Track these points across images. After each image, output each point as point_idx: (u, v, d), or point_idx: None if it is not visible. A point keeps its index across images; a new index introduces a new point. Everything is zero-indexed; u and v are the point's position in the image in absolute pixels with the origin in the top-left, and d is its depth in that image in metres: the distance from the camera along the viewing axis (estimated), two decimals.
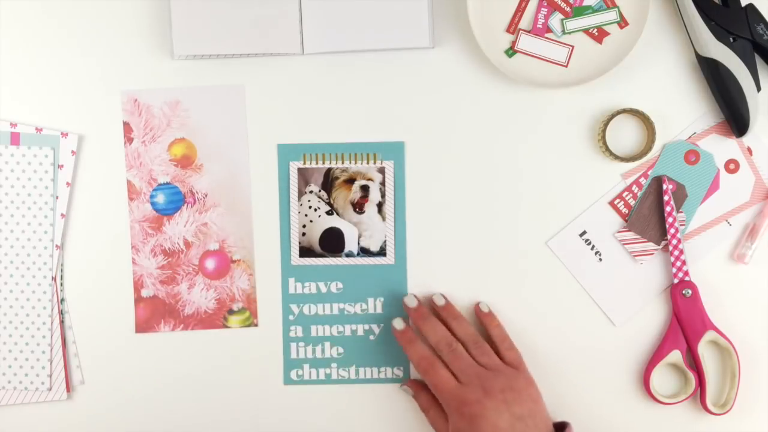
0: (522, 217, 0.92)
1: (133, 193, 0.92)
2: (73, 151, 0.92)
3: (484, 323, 0.90)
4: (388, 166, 0.91)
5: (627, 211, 0.91)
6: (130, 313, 0.92)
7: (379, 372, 0.92)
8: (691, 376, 0.90)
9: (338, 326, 0.92)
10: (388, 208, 0.92)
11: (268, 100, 0.91)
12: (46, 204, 0.92)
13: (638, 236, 0.91)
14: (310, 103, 0.91)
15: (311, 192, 0.92)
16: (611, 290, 0.92)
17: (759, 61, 0.89)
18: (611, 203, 0.92)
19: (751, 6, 0.88)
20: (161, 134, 0.91)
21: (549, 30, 0.90)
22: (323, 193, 0.92)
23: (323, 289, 0.92)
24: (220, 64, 0.91)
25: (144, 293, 0.92)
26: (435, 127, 0.92)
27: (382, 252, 0.92)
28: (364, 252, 0.92)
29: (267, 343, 0.92)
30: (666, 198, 0.90)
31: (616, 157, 0.90)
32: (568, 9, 0.90)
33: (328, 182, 0.92)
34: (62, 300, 0.92)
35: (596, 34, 0.90)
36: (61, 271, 0.92)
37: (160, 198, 0.92)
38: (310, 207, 0.92)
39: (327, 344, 0.92)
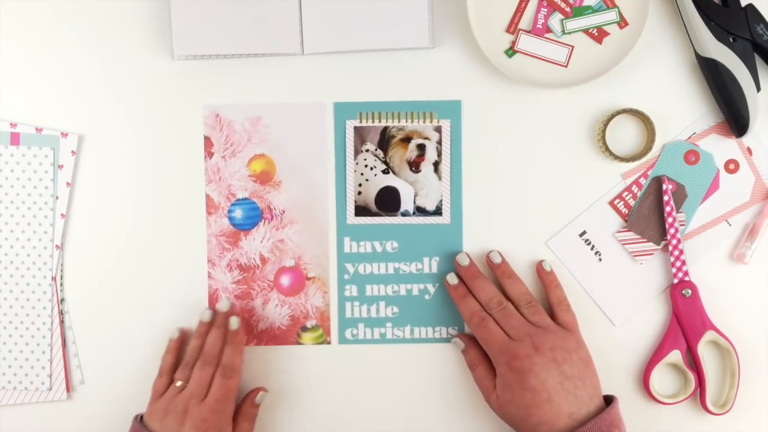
0: (522, 217, 0.92)
1: (212, 207, 0.92)
2: (73, 151, 0.92)
3: (544, 282, 0.90)
4: (445, 125, 0.91)
5: (627, 211, 0.91)
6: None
7: (434, 332, 0.92)
8: (691, 376, 0.90)
9: (393, 286, 0.92)
10: (444, 167, 0.92)
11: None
12: (46, 204, 0.92)
13: (638, 236, 0.91)
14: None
15: (367, 151, 0.92)
16: (611, 290, 0.92)
17: (759, 61, 0.89)
18: (611, 203, 0.92)
19: (751, 6, 0.88)
20: (241, 149, 0.92)
21: (549, 30, 0.90)
22: (379, 152, 0.92)
23: (378, 249, 0.92)
24: (222, 64, 0.91)
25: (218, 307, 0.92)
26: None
27: (437, 211, 0.92)
28: (420, 211, 0.92)
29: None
30: (666, 198, 0.90)
31: (616, 157, 0.90)
32: (568, 9, 0.90)
33: (385, 141, 0.92)
34: (62, 300, 0.92)
35: (596, 34, 0.90)
36: (61, 271, 0.92)
37: (238, 213, 0.92)
38: (366, 166, 0.92)
39: (382, 304, 0.92)
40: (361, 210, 0.92)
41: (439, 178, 0.92)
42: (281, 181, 0.92)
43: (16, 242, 0.91)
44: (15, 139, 0.91)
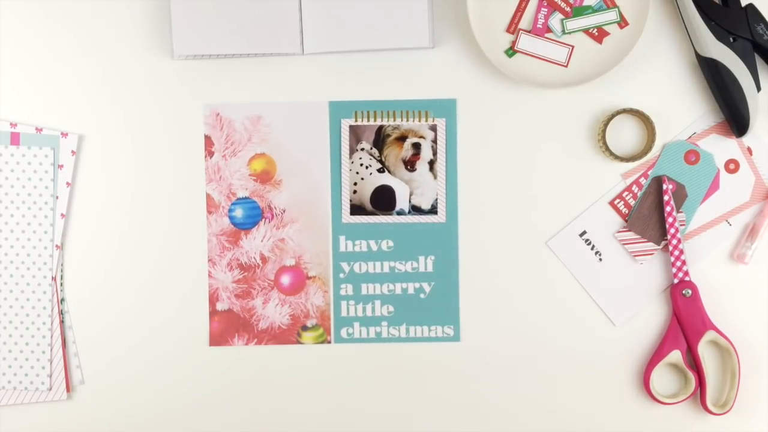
0: (522, 217, 0.92)
1: (212, 206, 0.92)
2: (73, 151, 0.92)
3: None
4: (440, 123, 0.91)
5: (627, 211, 0.91)
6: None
7: (429, 331, 0.92)
8: (691, 376, 0.90)
9: (389, 285, 0.92)
10: (440, 166, 0.92)
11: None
12: (46, 204, 0.92)
13: (638, 236, 0.91)
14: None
15: (363, 149, 0.92)
16: (611, 290, 0.92)
17: (759, 61, 0.89)
18: (611, 203, 0.92)
19: (751, 6, 0.88)
20: (242, 149, 0.92)
21: (549, 30, 0.90)
22: (375, 151, 0.92)
23: (374, 247, 0.92)
24: (222, 64, 0.91)
25: (219, 307, 0.92)
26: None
27: (433, 210, 0.92)
28: (416, 210, 0.92)
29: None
30: (666, 198, 0.90)
31: (616, 157, 0.90)
32: (568, 9, 0.90)
33: (380, 140, 0.92)
34: (62, 300, 0.92)
35: (596, 34, 0.90)
36: (61, 271, 0.92)
37: (239, 212, 0.92)
38: (361, 164, 0.92)
39: (377, 302, 0.92)
40: (357, 209, 0.92)
41: (435, 177, 0.92)
42: (282, 180, 0.92)
43: (16, 242, 0.91)
44: (15, 139, 0.91)
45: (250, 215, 0.92)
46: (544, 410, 0.92)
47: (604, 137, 0.90)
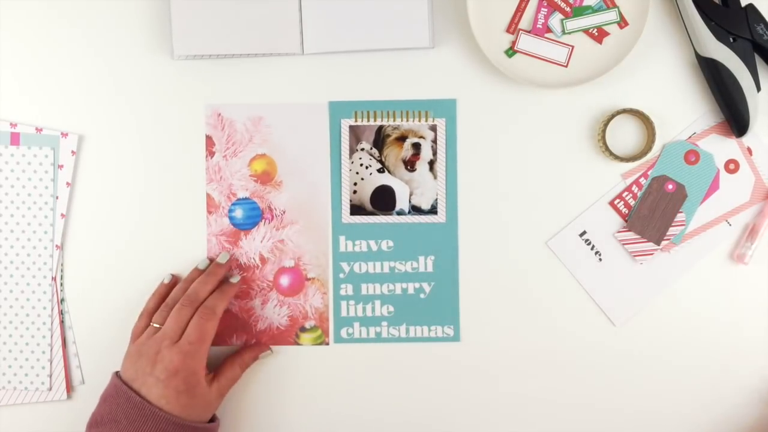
0: (522, 217, 0.92)
1: (212, 206, 0.92)
2: (73, 151, 0.92)
3: None
4: (440, 123, 0.91)
5: (627, 211, 0.91)
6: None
7: (429, 331, 0.92)
8: None
9: (389, 285, 0.92)
10: (440, 166, 0.92)
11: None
12: (46, 204, 0.92)
13: (638, 236, 0.91)
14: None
15: (363, 149, 0.92)
16: (611, 290, 0.92)
17: (759, 61, 0.89)
18: (611, 203, 0.92)
19: (751, 6, 0.88)
20: (243, 149, 0.92)
21: (549, 30, 0.90)
22: (375, 151, 0.92)
23: (374, 248, 0.92)
24: (222, 64, 0.91)
25: None
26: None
27: (433, 210, 0.92)
28: (416, 210, 0.92)
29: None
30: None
31: (616, 157, 0.90)
32: (568, 9, 0.90)
33: (380, 140, 0.92)
34: (62, 300, 0.92)
35: (596, 34, 0.90)
36: (61, 271, 0.92)
37: (239, 213, 0.92)
38: (361, 165, 0.92)
39: (377, 303, 0.93)
40: (357, 209, 0.92)
41: (435, 177, 0.92)
42: (282, 181, 0.92)
43: (16, 242, 0.91)
44: (15, 139, 0.91)
45: (250, 216, 0.92)
46: (545, 410, 0.92)
47: (604, 137, 0.90)
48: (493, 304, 0.92)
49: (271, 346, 0.92)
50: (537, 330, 0.92)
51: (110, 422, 0.82)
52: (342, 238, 0.92)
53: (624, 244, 0.91)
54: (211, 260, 0.91)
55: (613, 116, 0.90)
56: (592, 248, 0.92)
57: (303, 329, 0.93)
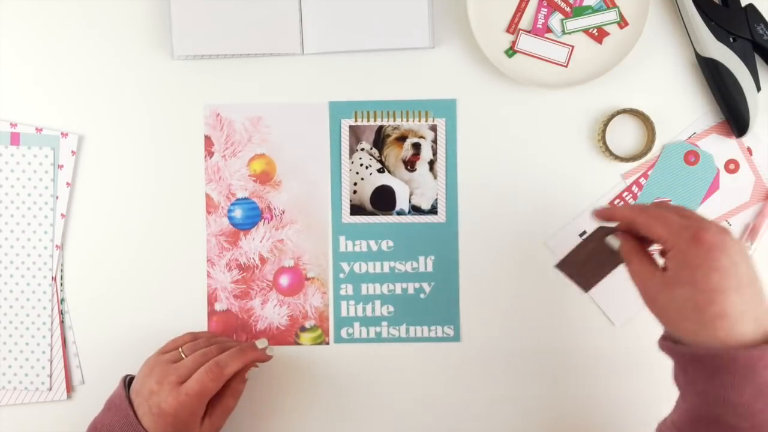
0: (522, 217, 0.92)
1: (211, 206, 0.92)
2: (73, 151, 0.92)
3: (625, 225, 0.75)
4: (440, 123, 0.91)
5: None
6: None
7: (429, 331, 0.92)
8: None
9: (389, 285, 0.92)
10: (440, 166, 0.92)
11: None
12: (46, 204, 0.92)
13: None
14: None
15: (362, 150, 0.92)
16: (611, 290, 0.92)
17: (759, 61, 0.89)
18: (611, 203, 0.92)
19: (751, 6, 0.88)
20: (242, 149, 0.92)
21: (549, 30, 0.90)
22: (375, 151, 0.92)
23: (374, 248, 0.92)
24: (222, 64, 0.91)
25: (217, 307, 0.92)
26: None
27: (433, 210, 0.92)
28: (416, 210, 0.92)
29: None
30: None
31: (616, 157, 0.90)
32: (568, 9, 0.90)
33: (380, 140, 0.92)
34: (62, 300, 0.92)
35: (596, 34, 0.90)
36: (61, 271, 0.92)
37: (238, 213, 0.92)
38: (361, 165, 0.92)
39: (377, 303, 0.93)
40: (357, 209, 0.92)
41: (435, 177, 0.92)
42: (281, 181, 0.92)
43: (16, 242, 0.91)
44: (15, 139, 0.91)
45: (250, 216, 0.92)
46: (544, 410, 0.92)
47: (604, 137, 0.90)
48: (493, 304, 0.92)
49: (255, 344, 0.87)
50: (537, 330, 0.92)
51: None
52: (342, 238, 0.92)
53: None
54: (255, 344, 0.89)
55: (613, 116, 0.90)
56: None
57: (303, 329, 0.93)
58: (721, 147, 0.91)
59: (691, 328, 0.66)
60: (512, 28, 0.90)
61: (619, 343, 0.92)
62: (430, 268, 0.92)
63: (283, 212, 0.92)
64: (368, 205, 0.92)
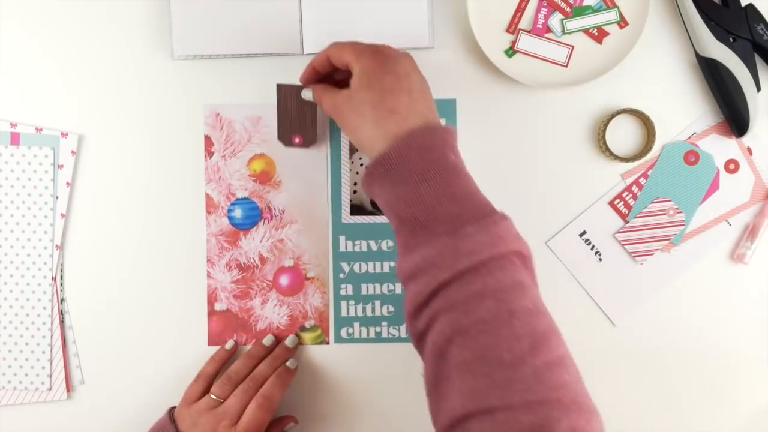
0: (522, 217, 0.92)
1: (211, 206, 0.92)
2: (73, 151, 0.92)
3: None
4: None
5: (627, 211, 0.91)
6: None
7: None
8: None
9: (389, 284, 0.92)
10: None
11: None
12: (46, 204, 0.92)
13: (635, 237, 0.90)
14: None
15: None
16: (611, 290, 0.92)
17: (759, 61, 0.89)
18: (611, 203, 0.92)
19: (751, 6, 0.88)
20: (241, 149, 0.92)
21: (549, 30, 0.90)
22: None
23: (374, 247, 0.92)
24: (222, 64, 0.91)
25: (217, 307, 0.92)
26: None
27: None
28: None
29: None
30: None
31: (616, 157, 0.90)
32: (568, 9, 0.90)
33: None
34: (62, 300, 0.92)
35: (596, 34, 0.90)
36: (61, 271, 0.92)
37: (238, 213, 0.92)
38: (361, 164, 0.92)
39: (377, 303, 0.93)
40: (357, 209, 0.92)
41: None
42: (281, 181, 0.92)
43: (16, 242, 0.91)
44: (15, 139, 0.91)
45: (249, 216, 0.92)
46: None
47: (604, 137, 0.90)
48: None
49: (295, 419, 0.92)
50: None
51: None
52: (342, 238, 0.92)
53: (624, 244, 0.91)
54: (277, 338, 0.91)
55: (613, 116, 0.90)
56: (592, 248, 0.92)
57: (303, 329, 0.93)
58: (721, 147, 0.91)
59: (370, 131, 0.74)
60: (512, 28, 0.90)
61: (619, 343, 0.92)
62: None
63: (283, 212, 0.92)
64: (368, 205, 0.92)
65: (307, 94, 0.85)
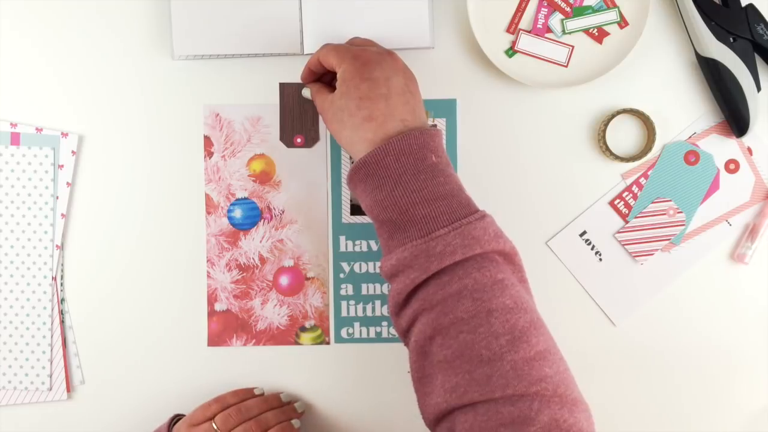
0: (522, 217, 0.92)
1: (211, 207, 0.92)
2: (73, 151, 0.92)
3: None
4: (440, 123, 0.91)
5: (627, 211, 0.91)
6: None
7: None
8: None
9: (389, 285, 0.92)
10: None
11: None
12: (46, 204, 0.92)
13: (634, 237, 0.90)
14: None
15: None
16: (611, 290, 0.92)
17: (759, 61, 0.89)
18: (611, 203, 0.92)
19: (751, 6, 0.88)
20: (241, 149, 0.92)
21: (549, 30, 0.90)
22: None
23: (374, 248, 0.92)
24: (222, 64, 0.91)
25: (217, 307, 0.92)
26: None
27: None
28: None
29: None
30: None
31: (616, 157, 0.90)
32: (568, 9, 0.90)
33: None
34: (62, 300, 0.92)
35: (596, 34, 0.90)
36: (61, 271, 0.92)
37: (238, 213, 0.92)
38: None
39: (377, 303, 0.93)
40: (357, 209, 0.92)
41: None
42: (281, 181, 0.92)
43: (16, 242, 0.91)
44: (15, 139, 0.91)
45: (249, 216, 0.92)
46: None
47: (604, 137, 0.90)
48: None
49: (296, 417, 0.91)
50: None
51: None
52: (342, 238, 0.92)
53: (624, 244, 0.91)
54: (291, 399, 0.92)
55: (613, 116, 0.90)
56: (592, 248, 0.92)
57: (303, 329, 0.93)
58: (721, 147, 0.91)
59: (349, 137, 0.77)
60: (512, 28, 0.90)
61: (619, 343, 0.92)
62: None
63: (283, 212, 0.92)
64: None
65: (307, 93, 0.87)
